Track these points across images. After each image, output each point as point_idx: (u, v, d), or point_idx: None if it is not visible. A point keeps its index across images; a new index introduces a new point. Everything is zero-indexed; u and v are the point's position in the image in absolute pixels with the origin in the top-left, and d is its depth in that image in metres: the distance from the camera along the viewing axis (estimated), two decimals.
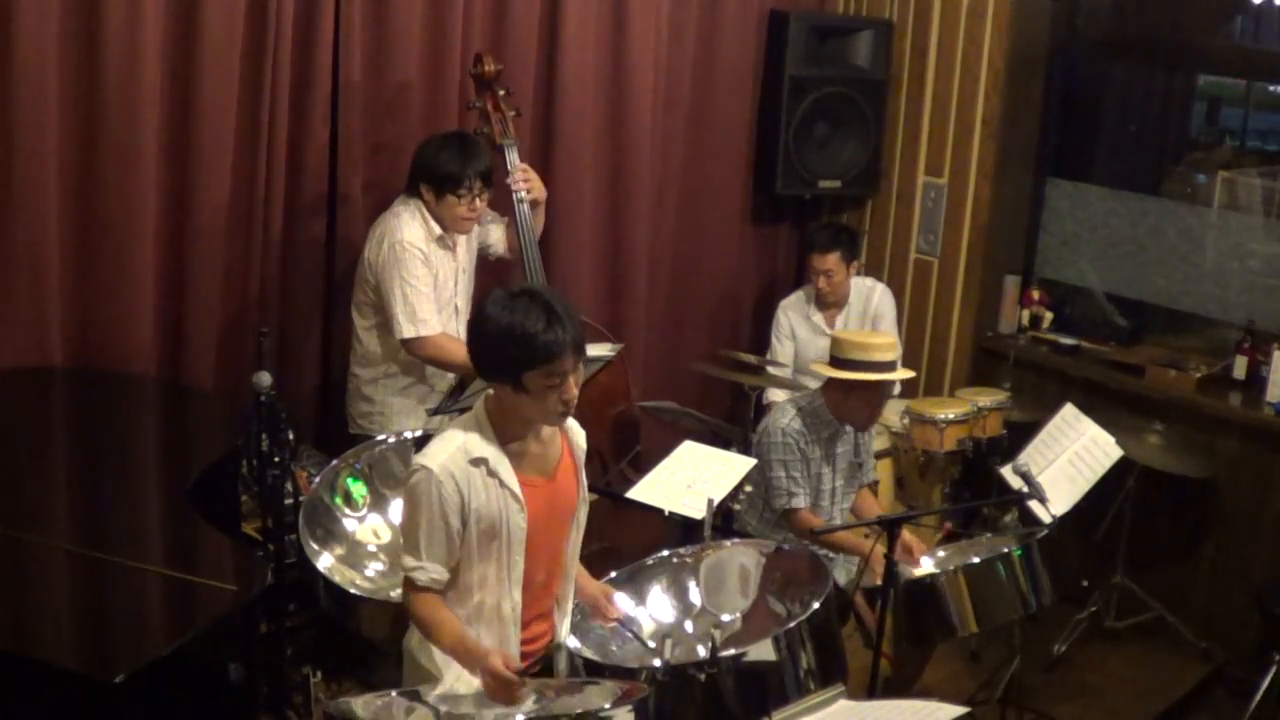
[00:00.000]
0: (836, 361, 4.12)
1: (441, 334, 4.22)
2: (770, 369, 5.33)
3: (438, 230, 4.22)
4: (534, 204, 4.44)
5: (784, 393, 5.36)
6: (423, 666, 2.93)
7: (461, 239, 4.34)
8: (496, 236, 4.56)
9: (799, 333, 5.47)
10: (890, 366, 4.09)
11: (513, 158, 4.38)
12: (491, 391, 2.85)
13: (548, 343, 2.69)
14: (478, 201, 4.20)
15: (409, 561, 2.79)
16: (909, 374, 4.37)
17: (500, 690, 2.70)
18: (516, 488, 2.82)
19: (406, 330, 4.15)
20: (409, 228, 4.18)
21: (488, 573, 2.84)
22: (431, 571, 2.77)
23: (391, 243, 4.15)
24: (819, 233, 5.43)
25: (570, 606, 3.09)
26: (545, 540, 2.90)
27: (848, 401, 4.12)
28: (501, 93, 4.42)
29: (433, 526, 2.75)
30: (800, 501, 4.11)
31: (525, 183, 4.38)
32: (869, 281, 5.51)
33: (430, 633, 2.83)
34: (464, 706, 2.84)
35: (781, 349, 5.49)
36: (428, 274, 4.18)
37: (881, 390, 4.11)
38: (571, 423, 3.01)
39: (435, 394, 4.38)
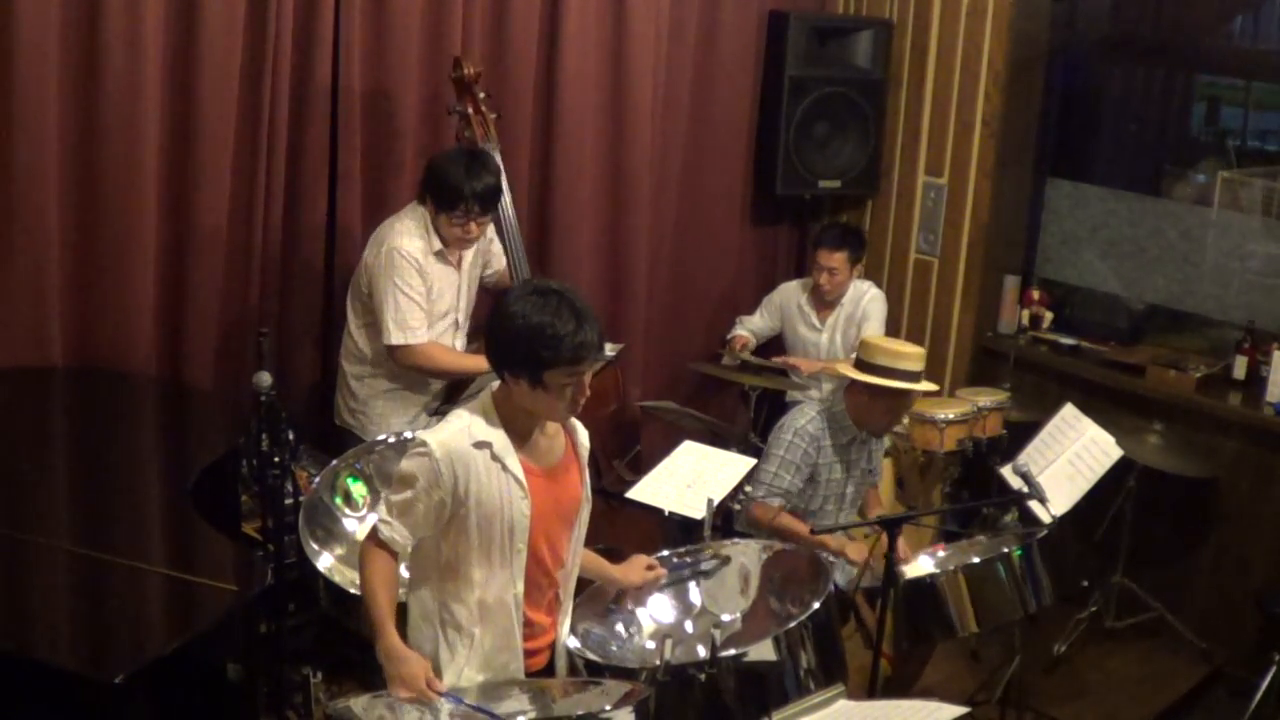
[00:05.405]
0: (863, 365, 4.10)
1: (429, 343, 4.19)
2: (738, 327, 5.52)
3: (437, 244, 4.17)
4: None
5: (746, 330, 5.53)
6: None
7: (467, 253, 4.31)
8: (495, 267, 4.50)
9: (787, 318, 5.50)
10: (916, 377, 4.08)
11: (496, 160, 4.33)
12: (497, 385, 2.86)
13: (578, 345, 2.72)
14: (473, 226, 4.13)
15: (382, 512, 2.85)
16: (933, 387, 4.34)
17: (412, 697, 2.74)
18: (521, 475, 2.83)
19: (395, 337, 4.13)
20: (409, 237, 4.13)
21: (491, 564, 2.84)
22: (397, 532, 2.82)
23: (389, 249, 4.12)
24: (829, 230, 5.46)
25: (570, 607, 3.09)
26: (547, 533, 2.91)
27: (871, 407, 4.10)
28: (482, 95, 4.37)
29: (415, 497, 2.79)
30: (773, 503, 4.09)
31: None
32: (865, 284, 5.51)
33: (366, 593, 2.86)
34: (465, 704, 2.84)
35: (756, 318, 5.58)
36: (421, 284, 4.14)
37: (905, 400, 4.10)
38: (575, 422, 3.02)
39: (420, 399, 4.36)
